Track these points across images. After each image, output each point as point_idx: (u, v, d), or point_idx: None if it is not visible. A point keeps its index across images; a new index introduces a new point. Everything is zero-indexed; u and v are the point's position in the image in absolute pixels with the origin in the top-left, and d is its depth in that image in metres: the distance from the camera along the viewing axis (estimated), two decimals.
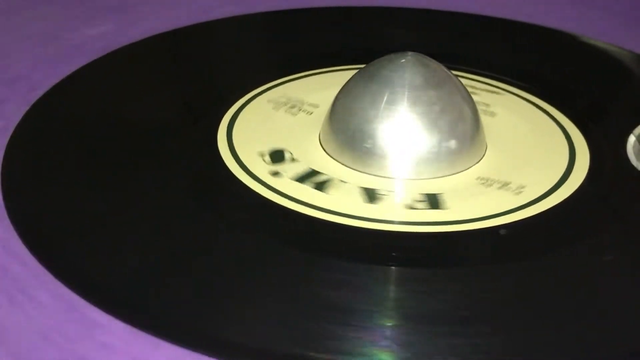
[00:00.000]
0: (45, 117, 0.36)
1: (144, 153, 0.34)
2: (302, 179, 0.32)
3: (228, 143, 0.34)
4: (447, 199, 0.32)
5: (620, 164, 0.34)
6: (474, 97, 0.35)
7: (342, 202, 0.31)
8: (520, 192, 0.32)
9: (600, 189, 0.33)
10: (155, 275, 0.28)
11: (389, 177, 0.33)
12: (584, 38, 0.44)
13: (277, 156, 0.33)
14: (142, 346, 0.26)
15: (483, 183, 0.33)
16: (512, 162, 0.34)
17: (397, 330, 0.27)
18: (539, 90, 0.39)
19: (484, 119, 0.35)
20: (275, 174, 0.32)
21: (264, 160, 0.33)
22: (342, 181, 0.32)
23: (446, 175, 0.33)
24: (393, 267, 0.29)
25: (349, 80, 0.34)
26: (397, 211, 0.31)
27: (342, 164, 0.33)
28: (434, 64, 0.34)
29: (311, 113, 0.36)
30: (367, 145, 0.33)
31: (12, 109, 0.36)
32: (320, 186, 0.32)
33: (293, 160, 0.33)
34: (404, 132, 0.33)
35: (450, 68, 0.35)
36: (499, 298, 0.28)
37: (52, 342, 0.26)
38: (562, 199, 0.32)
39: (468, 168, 0.33)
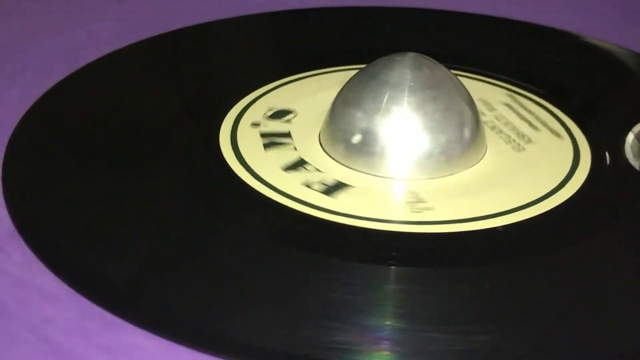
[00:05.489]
0: (46, 116, 0.36)
1: (145, 153, 0.34)
2: (300, 178, 0.32)
3: (231, 143, 0.34)
4: (447, 199, 0.32)
5: (619, 163, 0.34)
6: (473, 97, 0.35)
7: (341, 202, 0.31)
8: (521, 192, 0.32)
9: (600, 188, 0.33)
10: (155, 274, 0.28)
11: (388, 177, 0.33)
12: (584, 37, 0.44)
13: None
14: (140, 344, 0.26)
15: (483, 183, 0.33)
16: (513, 162, 0.34)
17: (397, 330, 0.27)
18: (538, 90, 0.39)
19: (484, 118, 0.35)
20: (274, 172, 0.32)
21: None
22: (341, 181, 0.32)
23: (446, 176, 0.33)
24: (393, 267, 0.29)
25: (349, 81, 0.34)
26: (396, 211, 0.31)
27: (342, 164, 0.33)
28: (434, 64, 0.34)
29: (311, 114, 0.36)
30: (367, 146, 0.33)
31: (13, 108, 0.36)
32: (319, 186, 0.32)
33: (293, 160, 0.33)
34: (404, 132, 0.33)
35: (450, 68, 0.35)
36: (499, 298, 0.28)
37: (51, 340, 0.26)
38: (563, 199, 0.32)
39: (468, 168, 0.33)
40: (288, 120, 0.36)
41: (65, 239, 0.29)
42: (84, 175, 0.32)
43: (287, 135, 0.35)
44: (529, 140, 0.35)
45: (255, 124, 0.35)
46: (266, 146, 0.34)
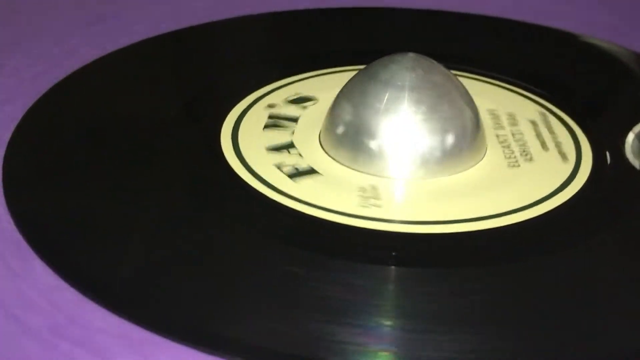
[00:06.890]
0: (46, 116, 0.36)
1: (146, 153, 0.34)
2: (301, 179, 0.32)
3: (232, 144, 0.34)
4: (447, 199, 0.32)
5: (620, 162, 0.34)
6: (473, 97, 0.35)
7: (341, 201, 0.31)
8: (522, 193, 0.32)
9: (601, 189, 0.33)
10: (157, 274, 0.28)
11: (388, 177, 0.33)
12: (584, 37, 0.44)
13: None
14: (142, 344, 0.26)
15: (484, 183, 0.33)
16: (514, 162, 0.34)
17: (396, 330, 0.27)
18: (539, 90, 0.39)
19: (484, 119, 0.35)
20: (275, 173, 0.32)
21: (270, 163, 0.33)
22: (341, 181, 0.32)
23: (446, 176, 0.33)
24: (393, 267, 0.29)
25: (349, 81, 0.34)
26: (396, 211, 0.31)
27: (342, 164, 0.33)
28: (434, 64, 0.34)
29: (311, 114, 0.36)
30: (367, 146, 0.33)
31: (13, 108, 0.36)
32: (320, 186, 0.32)
33: (293, 161, 0.33)
34: (404, 133, 0.33)
35: (450, 68, 0.35)
36: (499, 299, 0.28)
37: (51, 342, 0.26)
38: (564, 200, 0.32)
39: (469, 168, 0.33)
40: (304, 107, 0.36)
41: (65, 239, 0.29)
42: (84, 175, 0.32)
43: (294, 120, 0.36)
44: (530, 159, 0.35)
45: (271, 106, 0.36)
46: (266, 127, 0.35)
